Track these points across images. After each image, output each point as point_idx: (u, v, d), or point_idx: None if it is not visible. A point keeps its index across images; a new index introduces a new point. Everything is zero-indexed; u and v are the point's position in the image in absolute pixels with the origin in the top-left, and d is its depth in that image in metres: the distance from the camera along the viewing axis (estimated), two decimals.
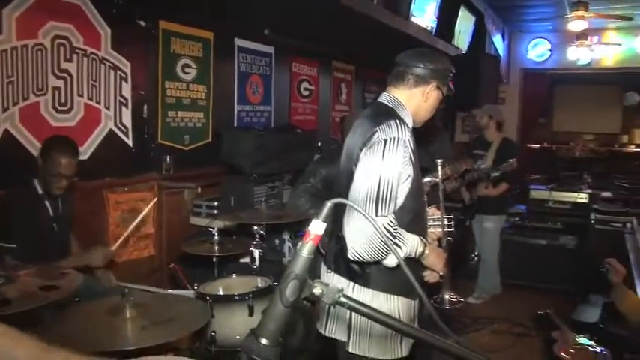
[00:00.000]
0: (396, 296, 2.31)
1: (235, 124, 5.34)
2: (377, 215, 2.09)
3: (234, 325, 3.00)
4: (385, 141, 2.14)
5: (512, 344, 4.93)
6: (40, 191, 3.21)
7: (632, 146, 13.58)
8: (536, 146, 12.90)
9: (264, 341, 1.12)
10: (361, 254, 2.10)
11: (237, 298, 3.02)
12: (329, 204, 1.17)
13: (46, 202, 3.25)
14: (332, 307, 2.41)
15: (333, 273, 2.41)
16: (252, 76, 5.52)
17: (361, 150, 2.22)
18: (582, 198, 6.67)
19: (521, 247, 6.49)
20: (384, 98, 2.40)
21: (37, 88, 3.67)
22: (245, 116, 5.46)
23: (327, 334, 2.44)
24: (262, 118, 5.69)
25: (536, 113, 12.86)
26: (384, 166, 2.12)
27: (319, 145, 5.65)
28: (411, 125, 2.32)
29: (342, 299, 1.16)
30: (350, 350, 2.32)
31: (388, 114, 2.28)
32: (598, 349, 3.64)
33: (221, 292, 3.24)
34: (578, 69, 10.90)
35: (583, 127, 14.04)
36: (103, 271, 3.47)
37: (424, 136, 2.39)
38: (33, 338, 1.28)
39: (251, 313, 3.00)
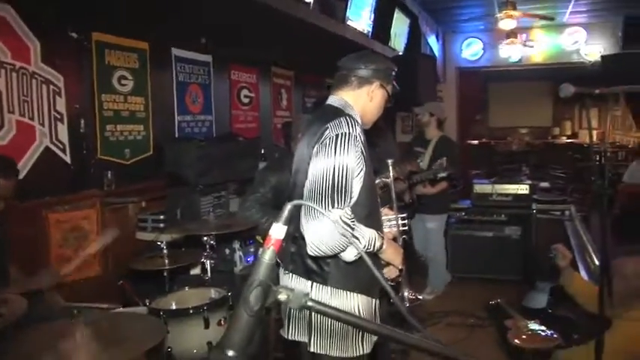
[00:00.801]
0: (355, 294, 2.30)
1: (177, 135, 5.23)
2: (333, 207, 2.09)
3: (190, 339, 2.92)
4: (337, 136, 2.16)
5: (468, 336, 5.00)
6: None
7: (564, 137, 14.17)
8: (475, 142, 13.24)
9: (230, 353, 1.07)
10: (320, 248, 2.09)
11: (191, 311, 2.95)
12: (289, 206, 1.14)
13: None
14: (292, 311, 2.38)
15: (290, 274, 2.40)
16: (191, 86, 5.42)
17: (313, 148, 2.23)
18: (523, 189, 6.84)
19: (468, 241, 6.60)
20: (331, 101, 2.43)
21: None
22: (186, 126, 5.36)
23: (290, 338, 2.42)
24: (204, 128, 5.59)
25: (473, 110, 13.21)
26: (337, 160, 2.13)
27: (262, 152, 5.60)
28: (359, 122, 2.32)
29: (309, 303, 1.13)
30: (312, 350, 2.31)
31: (337, 113, 2.30)
32: (548, 332, 3.73)
33: (174, 307, 3.14)
34: (510, 66, 11.24)
35: (518, 122, 14.55)
36: (49, 294, 3.32)
37: (370, 137, 2.40)
38: None
39: (207, 326, 2.93)
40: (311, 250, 2.12)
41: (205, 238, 3.47)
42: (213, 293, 3.22)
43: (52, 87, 4.02)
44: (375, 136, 4.54)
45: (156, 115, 4.96)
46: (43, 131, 3.98)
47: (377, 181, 3.09)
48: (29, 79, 3.87)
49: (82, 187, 4.27)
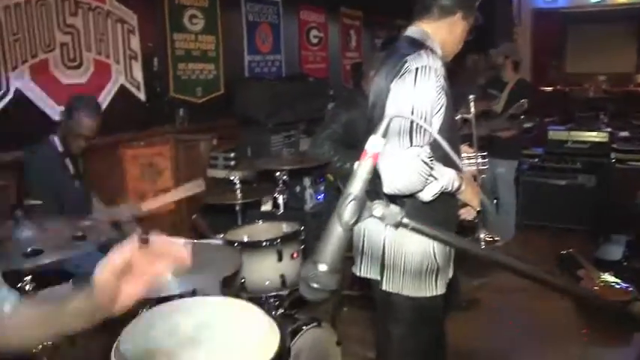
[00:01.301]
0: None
1: (246, 75, 5.24)
2: (411, 145, 2.01)
3: (263, 271, 2.96)
4: (417, 69, 2.05)
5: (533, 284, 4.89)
6: (60, 149, 3.15)
7: None
8: (549, 89, 12.70)
9: (323, 268, 1.03)
10: (396, 186, 2.03)
11: (265, 244, 2.98)
12: (388, 118, 1.07)
13: (67, 160, 3.19)
14: (365, 247, 2.35)
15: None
16: (260, 26, 5.39)
17: (392, 81, 2.13)
18: (602, 137, 6.54)
19: (540, 188, 6.40)
20: (410, 32, 2.30)
21: (44, 44, 3.59)
22: (256, 66, 5.37)
23: (362, 275, 2.39)
24: (273, 68, 5.58)
25: (548, 55, 12.61)
26: (416, 95, 2.03)
27: (332, 92, 5.55)
28: (440, 55, 2.22)
29: (405, 220, 1.09)
30: (384, 288, 2.27)
31: (416, 45, 2.19)
32: (623, 285, 3.61)
33: (247, 240, 3.19)
34: (592, 6, 10.62)
35: (596, 68, 13.76)
36: (129, 225, 3.43)
37: (450, 75, 2.29)
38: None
39: (280, 259, 2.96)
40: (387, 188, 2.06)
41: (278, 174, 3.49)
42: (286, 227, 3.25)
43: (126, 26, 4.09)
44: (453, 72, 4.42)
45: (226, 54, 4.99)
46: (118, 69, 4.07)
47: (457, 117, 3.00)
48: (104, 17, 3.94)
49: (156, 124, 4.37)
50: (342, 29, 6.80)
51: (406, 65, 2.08)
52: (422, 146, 2.02)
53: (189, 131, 4.62)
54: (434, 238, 1.10)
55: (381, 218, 1.06)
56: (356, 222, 1.05)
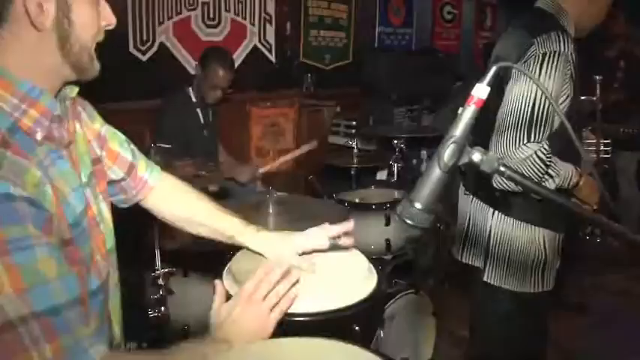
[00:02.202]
0: (540, 228, 2.06)
1: (376, 46, 5.28)
2: (529, 141, 1.84)
3: (369, 234, 3.01)
4: (543, 55, 1.85)
5: None
6: (194, 99, 3.37)
7: None
8: None
9: (418, 206, 1.07)
10: (507, 183, 1.90)
11: (374, 207, 3.03)
12: (495, 67, 1.08)
13: (198, 110, 3.40)
14: (470, 232, 2.26)
15: (471, 196, 2.22)
16: None
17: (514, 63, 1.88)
18: None
19: None
20: (541, 3, 2.06)
21: (188, 3, 3.84)
22: (386, 38, 5.38)
23: (463, 261, 2.28)
24: (403, 41, 5.57)
25: None
26: (540, 85, 1.83)
27: (461, 70, 5.45)
28: (573, 35, 1.98)
29: (502, 168, 1.09)
30: (485, 279, 2.14)
31: (547, 22, 1.96)
32: None
33: (358, 201, 3.26)
34: None
35: None
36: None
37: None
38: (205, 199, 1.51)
39: (387, 223, 3.00)
40: (496, 183, 1.95)
41: (395, 142, 3.52)
42: (397, 194, 3.28)
43: None
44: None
45: (357, 23, 5.04)
46: (253, 30, 4.26)
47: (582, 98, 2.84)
48: None
49: (284, 86, 4.53)
50: (477, 6, 6.61)
51: (532, 48, 1.88)
52: (540, 141, 1.85)
53: (314, 96, 4.75)
54: (531, 191, 1.08)
55: (479, 163, 1.07)
56: (454, 165, 1.07)
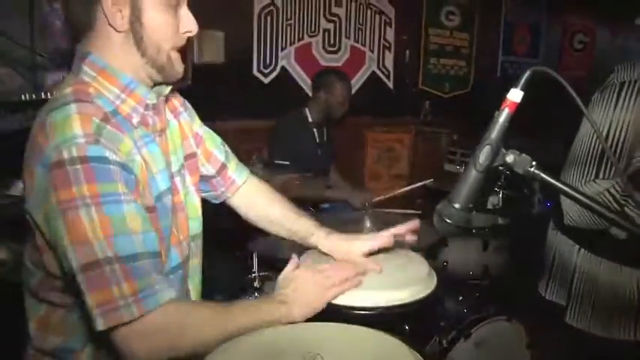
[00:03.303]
0: (631, 268, 1.87)
1: (498, 75, 5.22)
2: (597, 177, 1.72)
3: (467, 257, 3.00)
4: (621, 84, 1.73)
5: None
6: (310, 119, 3.54)
7: None
8: None
9: (456, 205, 1.15)
10: (576, 221, 1.78)
11: (473, 231, 3.02)
12: (528, 72, 1.13)
13: (314, 129, 3.57)
14: (553, 269, 2.15)
15: (557, 231, 2.08)
16: (519, 26, 5.31)
17: (596, 91, 1.83)
18: None
19: None
20: None
21: (310, 30, 4.07)
22: (509, 67, 5.30)
23: (547, 297, 2.15)
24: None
25: None
26: (615, 116, 1.71)
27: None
28: None
29: (535, 170, 1.13)
30: (567, 321, 2.00)
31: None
32: None
33: None
34: None
35: None
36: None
37: None
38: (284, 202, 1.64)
39: (485, 248, 2.98)
40: (567, 220, 1.82)
41: (501, 168, 3.46)
42: (500, 220, 3.24)
43: (384, 17, 4.41)
44: None
45: (479, 52, 5.03)
46: (371, 57, 4.41)
47: None
48: (365, 9, 4.31)
49: (401, 112, 4.62)
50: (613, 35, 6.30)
51: (611, 76, 1.79)
52: (612, 178, 1.71)
53: (431, 123, 4.78)
54: (567, 195, 1.10)
55: (512, 165, 1.11)
56: (489, 165, 1.12)
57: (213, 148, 1.52)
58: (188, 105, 1.48)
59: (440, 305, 2.75)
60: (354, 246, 1.54)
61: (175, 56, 1.22)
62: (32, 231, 1.15)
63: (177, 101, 1.42)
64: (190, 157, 1.41)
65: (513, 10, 5.22)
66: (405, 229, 1.58)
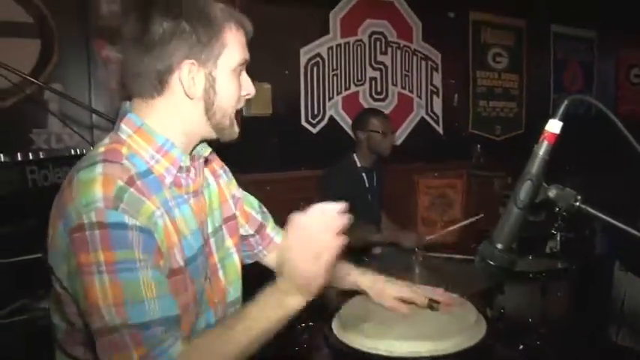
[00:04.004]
0: None
1: (551, 115, 5.12)
2: None
3: (524, 304, 2.88)
4: None
5: None
6: (359, 164, 3.53)
7: None
8: None
9: (499, 246, 1.10)
10: None
11: (530, 275, 2.90)
12: (566, 101, 1.10)
13: (363, 174, 3.54)
14: (624, 311, 2.05)
15: (625, 272, 2.14)
16: (570, 64, 5.23)
17: None
18: None
19: None
20: None
21: (356, 79, 4.12)
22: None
23: (619, 342, 2.17)
24: (582, 108, 5.33)
25: None
26: None
27: None
28: None
29: (579, 205, 1.09)
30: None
31: None
32: None
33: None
34: None
35: None
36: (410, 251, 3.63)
37: None
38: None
39: (544, 294, 2.85)
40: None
41: (557, 209, 3.35)
42: (559, 264, 3.11)
43: (430, 63, 4.42)
44: None
45: (530, 93, 4.96)
46: (420, 103, 4.41)
47: None
48: (411, 55, 4.35)
49: (452, 157, 4.57)
50: None
51: None
52: None
53: (484, 167, 4.70)
54: (609, 224, 1.05)
55: (555, 199, 1.07)
56: (531, 202, 1.08)
57: (250, 209, 1.55)
58: (227, 168, 1.50)
59: (496, 354, 2.64)
60: (388, 287, 1.55)
61: (234, 118, 1.27)
62: (53, 282, 1.18)
63: (217, 164, 1.45)
64: (230, 219, 1.42)
65: (563, 47, 5.15)
66: (440, 298, 1.57)
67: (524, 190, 1.07)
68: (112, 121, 2.71)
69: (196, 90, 1.18)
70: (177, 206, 1.20)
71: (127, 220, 1.05)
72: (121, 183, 1.08)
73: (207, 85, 1.19)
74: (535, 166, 1.07)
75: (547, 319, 2.82)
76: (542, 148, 1.08)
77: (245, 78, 1.27)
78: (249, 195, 1.57)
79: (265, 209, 1.61)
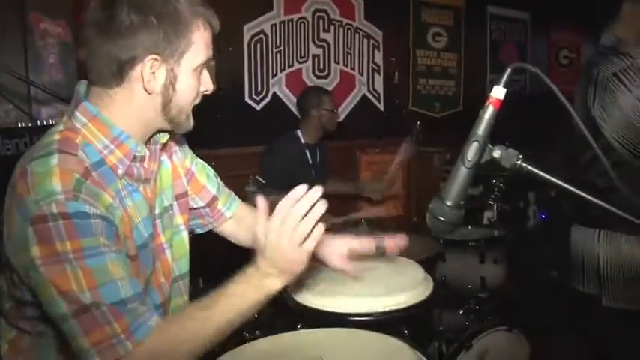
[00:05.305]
0: None
1: (487, 93, 5.29)
2: None
3: (464, 271, 3.02)
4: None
5: None
6: (303, 141, 3.57)
7: None
8: None
9: (448, 203, 1.16)
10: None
11: (470, 244, 3.04)
12: (509, 68, 1.17)
13: (306, 151, 3.59)
14: (585, 264, 2.18)
15: (580, 227, 2.20)
16: (505, 44, 5.41)
17: None
18: None
19: None
20: None
21: (299, 56, 4.14)
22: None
23: (585, 290, 2.19)
24: (517, 87, 5.53)
25: None
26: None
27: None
28: None
29: (521, 164, 1.16)
30: (605, 303, 2.08)
31: None
32: None
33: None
34: None
35: None
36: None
37: None
38: None
39: (482, 261, 3.00)
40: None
41: (494, 181, 3.51)
42: (495, 233, 3.26)
43: (372, 41, 4.49)
44: None
45: (467, 71, 5.10)
46: (362, 80, 4.47)
47: None
48: (353, 33, 4.39)
49: (393, 133, 4.65)
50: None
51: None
52: None
53: (424, 144, 4.81)
54: (550, 183, 1.13)
55: (499, 159, 1.14)
56: (477, 162, 1.15)
57: (205, 181, 1.56)
58: (183, 141, 1.51)
59: (439, 316, 2.76)
60: (336, 244, 1.54)
61: (190, 113, 1.29)
62: (8, 267, 1.19)
63: (173, 139, 1.45)
64: (181, 196, 1.45)
65: (498, 28, 5.32)
66: (393, 243, 1.56)
67: (472, 150, 1.14)
68: (52, 94, 2.68)
69: (156, 85, 1.18)
70: (129, 195, 1.23)
71: (89, 209, 1.08)
72: (77, 176, 1.10)
73: (167, 81, 1.19)
74: (481, 128, 1.14)
75: (485, 284, 2.98)
76: (488, 113, 1.14)
77: (206, 74, 1.28)
78: (206, 166, 1.59)
79: (220, 181, 1.62)
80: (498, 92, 1.16)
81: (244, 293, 1.17)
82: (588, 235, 2.13)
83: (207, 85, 1.28)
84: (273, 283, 1.19)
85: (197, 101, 1.28)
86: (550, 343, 3.23)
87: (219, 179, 1.61)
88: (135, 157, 1.23)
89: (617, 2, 2.13)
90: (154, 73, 1.17)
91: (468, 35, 5.08)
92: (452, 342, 2.52)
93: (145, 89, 1.18)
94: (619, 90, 1.93)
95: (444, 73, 4.99)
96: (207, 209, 1.56)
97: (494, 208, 3.50)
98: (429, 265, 2.84)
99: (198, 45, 1.20)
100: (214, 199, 1.57)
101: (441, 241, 3.05)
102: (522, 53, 5.57)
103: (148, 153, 1.28)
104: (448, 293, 2.98)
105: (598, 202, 1.08)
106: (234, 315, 1.16)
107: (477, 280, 2.99)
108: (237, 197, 1.66)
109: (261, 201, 1.20)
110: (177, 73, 1.19)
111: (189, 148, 1.55)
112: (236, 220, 1.63)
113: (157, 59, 1.16)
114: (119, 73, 1.16)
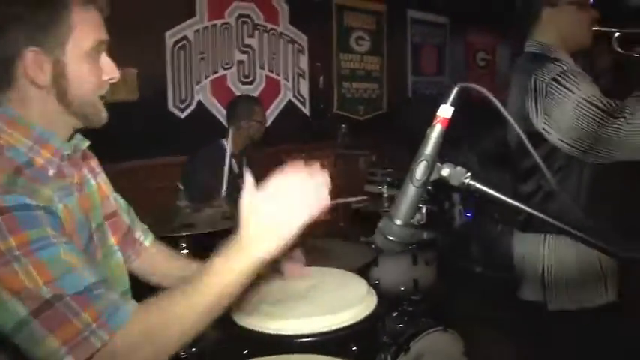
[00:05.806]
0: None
1: (410, 95, 5.41)
2: None
3: (398, 273, 3.07)
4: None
5: None
6: (229, 150, 3.50)
7: None
8: None
9: (397, 222, 1.16)
10: None
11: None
12: (457, 88, 1.18)
13: (232, 160, 3.53)
14: (526, 271, 2.24)
15: (523, 233, 2.21)
16: (425, 47, 5.54)
17: None
18: None
19: None
20: None
21: (224, 62, 4.07)
22: (419, 87, 5.51)
23: (532, 299, 2.18)
24: (436, 89, 5.69)
25: None
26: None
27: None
28: None
29: (469, 182, 1.17)
30: (550, 308, 2.10)
31: None
32: None
33: None
34: None
35: None
36: None
37: None
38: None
39: (415, 263, 3.05)
40: None
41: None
42: (426, 235, 3.33)
43: (296, 46, 4.48)
44: None
45: (390, 74, 5.19)
46: (287, 85, 4.46)
47: None
48: (277, 39, 4.36)
49: (318, 138, 4.68)
50: (513, 53, 6.70)
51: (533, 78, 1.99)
52: None
53: (349, 146, 4.86)
54: (499, 201, 1.15)
55: (448, 178, 1.15)
56: (426, 181, 1.15)
57: (120, 212, 1.46)
58: (100, 168, 1.42)
59: (381, 323, 2.79)
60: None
61: (100, 103, 1.19)
62: None
63: (94, 162, 1.38)
64: (111, 216, 1.37)
65: (419, 32, 5.44)
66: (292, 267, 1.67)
67: (420, 169, 1.14)
68: None
69: (45, 78, 1.10)
70: (65, 197, 1.14)
71: (29, 200, 0.99)
72: (9, 172, 1.02)
73: (55, 72, 1.11)
74: (429, 147, 1.14)
75: (418, 286, 3.03)
76: (436, 131, 1.14)
77: (106, 61, 1.19)
78: (119, 197, 1.49)
79: (133, 213, 1.52)
80: (446, 111, 1.16)
81: (227, 264, 1.07)
82: (534, 243, 2.15)
83: (111, 71, 1.19)
84: (258, 249, 1.07)
85: (104, 90, 1.19)
86: (481, 337, 3.34)
87: (131, 210, 1.52)
88: (63, 157, 1.16)
89: (537, 7, 2.18)
90: (40, 66, 1.09)
91: (390, 39, 5.17)
92: (389, 346, 2.55)
93: (35, 84, 1.10)
94: (562, 93, 1.91)
95: (368, 76, 5.06)
96: (127, 238, 1.46)
97: (423, 210, 3.57)
98: (363, 270, 2.89)
99: (82, 28, 1.12)
100: (129, 229, 1.47)
101: (373, 245, 3.09)
102: (442, 56, 5.72)
103: (78, 155, 1.22)
104: (383, 297, 3.01)
105: (543, 216, 1.11)
106: (219, 289, 1.05)
107: (409, 283, 3.04)
108: (149, 232, 1.55)
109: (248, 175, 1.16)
110: (66, 61, 1.11)
111: (113, 159, 1.47)
112: (154, 254, 1.53)
113: (36, 51, 1.08)
114: (6, 73, 1.09)
